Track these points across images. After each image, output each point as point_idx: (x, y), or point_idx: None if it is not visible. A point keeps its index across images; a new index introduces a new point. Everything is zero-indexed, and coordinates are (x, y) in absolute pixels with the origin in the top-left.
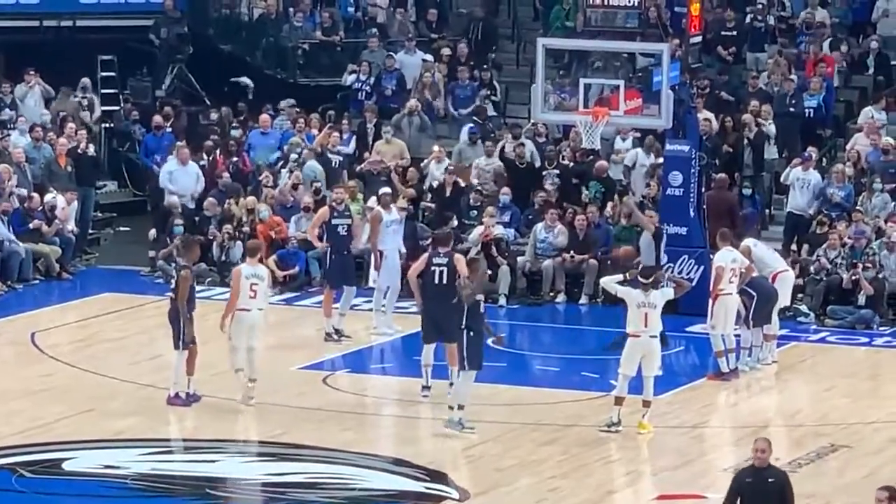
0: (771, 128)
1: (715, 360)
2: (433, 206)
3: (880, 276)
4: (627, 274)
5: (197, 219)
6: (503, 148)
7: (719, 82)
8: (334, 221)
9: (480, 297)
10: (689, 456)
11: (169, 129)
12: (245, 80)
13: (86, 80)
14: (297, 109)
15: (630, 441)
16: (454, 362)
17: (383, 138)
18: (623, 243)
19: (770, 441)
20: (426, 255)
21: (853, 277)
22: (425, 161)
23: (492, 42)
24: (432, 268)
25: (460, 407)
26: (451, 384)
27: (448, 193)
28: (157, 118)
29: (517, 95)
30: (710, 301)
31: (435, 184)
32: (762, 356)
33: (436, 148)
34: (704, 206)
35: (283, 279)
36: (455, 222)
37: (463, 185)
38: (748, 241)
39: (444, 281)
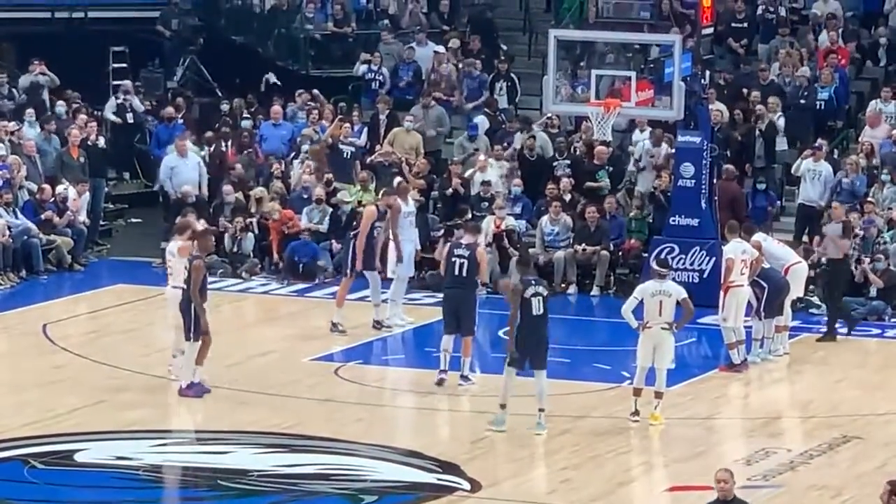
0: (780, 120)
1: (727, 352)
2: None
3: (892, 267)
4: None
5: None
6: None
7: (733, 74)
8: (377, 223)
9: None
10: (700, 447)
11: (181, 121)
12: (271, 76)
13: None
14: (312, 102)
15: (642, 432)
16: (467, 354)
17: (403, 126)
18: (636, 235)
19: (732, 472)
20: (448, 245)
21: (857, 273)
22: (469, 171)
23: (494, 33)
24: (453, 258)
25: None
26: (462, 375)
27: (454, 186)
28: (169, 109)
29: (529, 87)
30: (722, 293)
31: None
32: (774, 347)
33: (482, 157)
34: (716, 198)
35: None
36: (469, 214)
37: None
38: (758, 237)
39: (464, 273)
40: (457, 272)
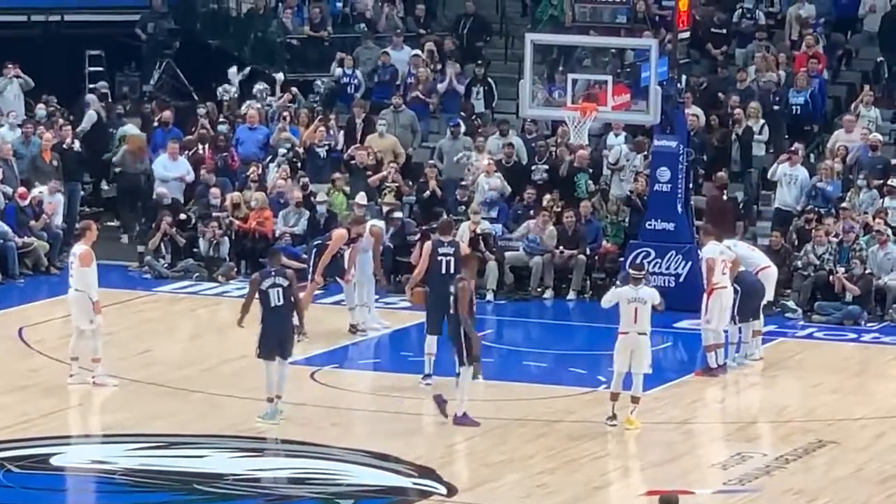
0: (759, 124)
1: (703, 356)
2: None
3: (867, 271)
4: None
5: (191, 213)
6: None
7: (708, 78)
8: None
9: None
10: (677, 451)
11: (156, 124)
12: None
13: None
14: (291, 103)
15: (618, 437)
16: None
17: (377, 132)
18: (612, 239)
19: None
20: (429, 244)
21: (833, 280)
22: (473, 175)
23: (480, 36)
24: (438, 257)
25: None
26: (458, 374)
27: (432, 189)
28: (167, 114)
29: (505, 91)
30: (706, 296)
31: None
32: (749, 352)
33: (485, 162)
34: (692, 203)
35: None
36: (445, 217)
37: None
38: (727, 242)
39: (451, 270)
40: (443, 270)
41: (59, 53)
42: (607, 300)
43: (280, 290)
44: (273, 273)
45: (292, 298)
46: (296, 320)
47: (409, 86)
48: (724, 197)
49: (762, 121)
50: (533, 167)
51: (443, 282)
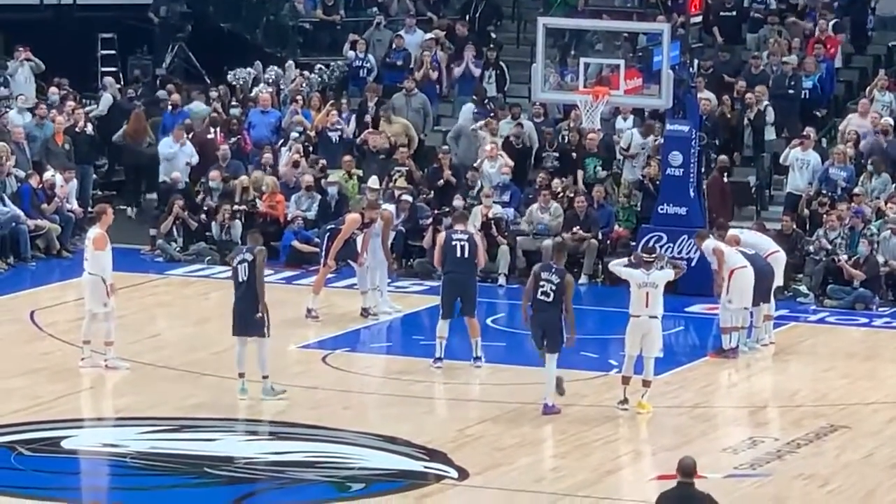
0: (768, 109)
1: (717, 337)
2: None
3: (879, 257)
4: (632, 256)
5: (200, 197)
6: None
7: (720, 62)
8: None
9: None
10: (688, 436)
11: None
12: None
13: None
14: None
15: (630, 421)
16: (476, 334)
17: (383, 117)
18: (624, 223)
19: None
20: (443, 233)
21: (838, 264)
22: (478, 161)
23: (491, 20)
24: (453, 242)
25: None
26: (476, 358)
27: (444, 175)
28: (175, 97)
29: (518, 75)
30: (726, 279)
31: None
32: (760, 336)
33: (488, 147)
34: (705, 187)
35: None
36: (460, 202)
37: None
38: (734, 231)
39: (466, 254)
40: (459, 254)
41: (71, 37)
42: (616, 268)
43: (246, 265)
44: (244, 249)
45: (255, 274)
46: (311, 304)
47: (418, 69)
48: (725, 179)
49: (766, 103)
50: (544, 153)
51: (458, 266)
